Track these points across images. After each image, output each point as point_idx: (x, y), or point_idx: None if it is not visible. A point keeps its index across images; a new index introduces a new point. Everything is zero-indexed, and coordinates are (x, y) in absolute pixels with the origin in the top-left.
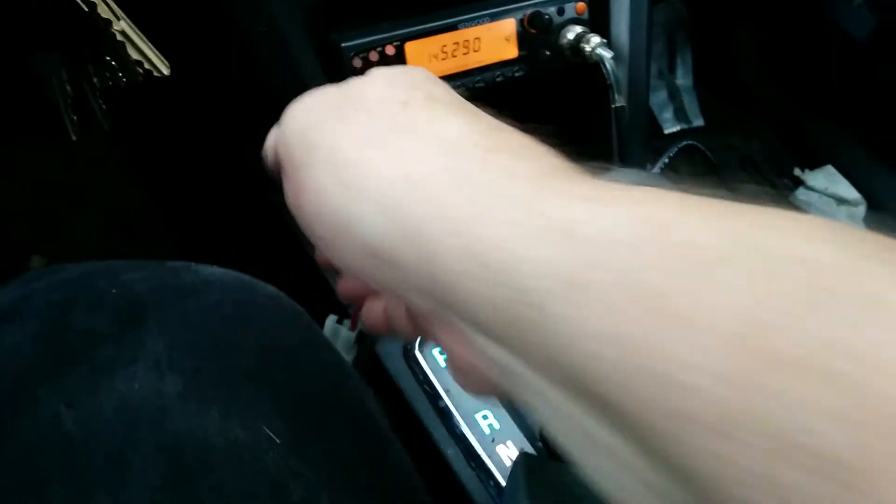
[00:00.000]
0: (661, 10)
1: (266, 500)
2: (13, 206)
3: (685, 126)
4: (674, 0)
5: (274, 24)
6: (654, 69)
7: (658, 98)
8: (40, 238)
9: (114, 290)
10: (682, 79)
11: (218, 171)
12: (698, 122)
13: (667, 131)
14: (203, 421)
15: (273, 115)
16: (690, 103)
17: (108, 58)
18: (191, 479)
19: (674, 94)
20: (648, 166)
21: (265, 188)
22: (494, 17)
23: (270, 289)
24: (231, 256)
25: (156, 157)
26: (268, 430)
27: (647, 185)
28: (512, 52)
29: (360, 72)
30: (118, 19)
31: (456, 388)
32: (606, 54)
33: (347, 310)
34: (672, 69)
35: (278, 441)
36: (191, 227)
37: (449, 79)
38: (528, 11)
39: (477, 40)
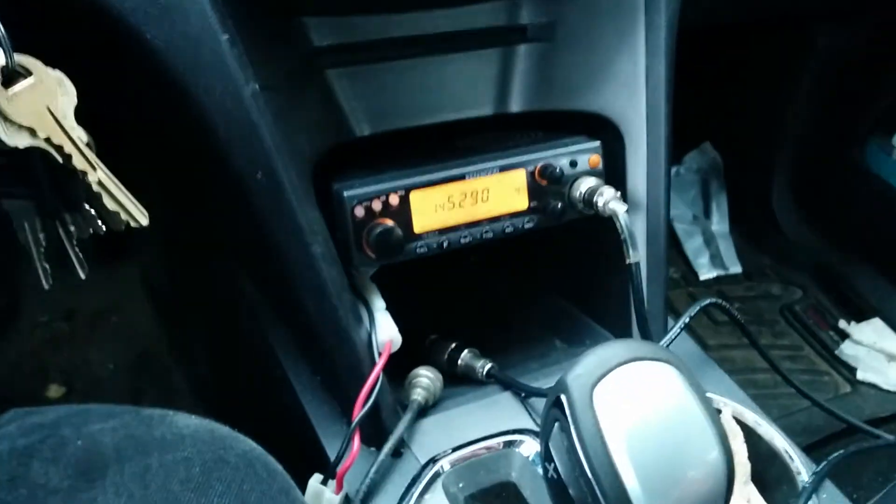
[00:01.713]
0: (695, 157)
1: None
2: (32, 334)
3: (721, 272)
4: (707, 146)
5: (272, 172)
6: (688, 215)
7: (693, 244)
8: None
9: (79, 442)
10: (718, 224)
11: (223, 311)
12: (735, 268)
13: (702, 277)
14: None
15: (274, 264)
16: (727, 249)
17: (86, 206)
18: None
19: (709, 240)
20: (671, 321)
21: (262, 323)
22: (504, 169)
23: (247, 445)
24: (236, 400)
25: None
26: None
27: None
28: (522, 203)
29: (362, 221)
30: (94, 169)
31: None
32: (620, 208)
33: (334, 469)
34: (707, 215)
35: None
36: (201, 362)
37: (456, 230)
38: (540, 164)
39: (486, 191)
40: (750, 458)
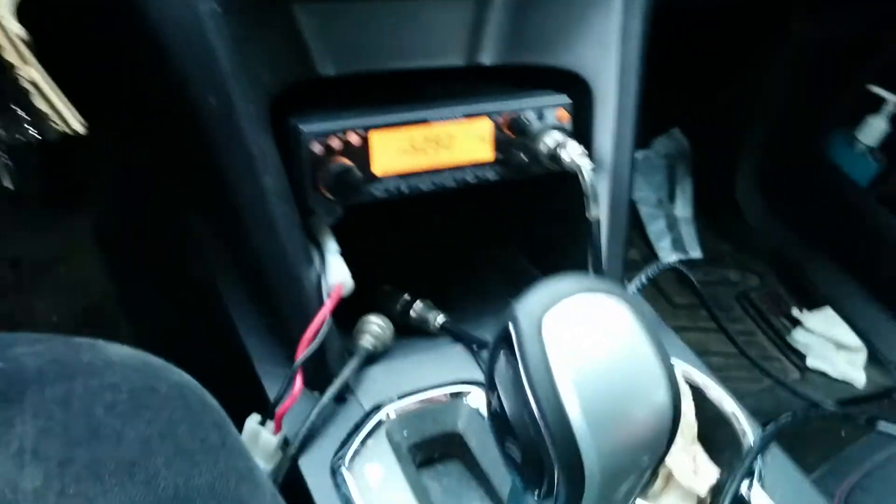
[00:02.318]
0: (663, 142)
1: None
2: None
3: (682, 257)
4: (675, 132)
5: (226, 98)
6: (653, 199)
7: (656, 227)
8: None
9: (0, 364)
10: (682, 209)
11: (166, 247)
12: (696, 253)
13: (663, 261)
14: None
15: (223, 197)
16: (688, 234)
17: (13, 107)
18: None
19: (672, 225)
20: (626, 283)
21: (209, 264)
22: (469, 115)
23: (180, 377)
24: (180, 345)
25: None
26: None
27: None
28: (487, 153)
29: (319, 158)
30: (26, 64)
31: None
32: (585, 163)
33: (273, 409)
34: (672, 199)
35: None
36: (147, 308)
37: (418, 175)
38: (506, 114)
39: (450, 137)
40: (697, 418)
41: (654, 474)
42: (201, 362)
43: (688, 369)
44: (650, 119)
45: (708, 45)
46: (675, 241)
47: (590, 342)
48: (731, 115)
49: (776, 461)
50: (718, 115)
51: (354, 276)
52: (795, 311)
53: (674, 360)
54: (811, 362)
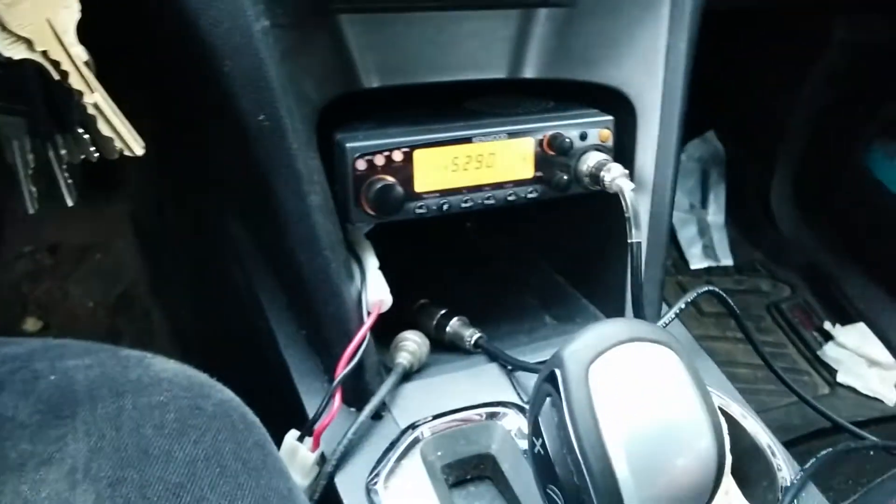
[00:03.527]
0: (697, 146)
1: None
2: (14, 264)
3: (713, 263)
4: (710, 135)
5: (275, 115)
6: (685, 203)
7: (687, 233)
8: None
9: (52, 377)
10: (714, 215)
11: (203, 245)
12: (727, 260)
13: (693, 267)
14: None
15: (268, 211)
16: (720, 241)
17: (80, 130)
18: None
19: (703, 230)
20: (665, 307)
21: (248, 272)
22: (512, 135)
23: (224, 394)
24: (216, 348)
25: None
26: None
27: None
28: (528, 172)
29: (363, 174)
30: (92, 91)
31: None
32: (627, 185)
33: (312, 426)
34: (704, 205)
35: None
36: (181, 302)
37: (458, 193)
38: (549, 133)
39: (492, 156)
40: (732, 451)
41: None
42: (235, 366)
43: (724, 400)
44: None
45: (748, 48)
46: (706, 247)
47: (636, 391)
48: (769, 121)
49: (812, 499)
50: (756, 121)
51: (391, 290)
52: (828, 325)
53: (711, 390)
54: (841, 378)
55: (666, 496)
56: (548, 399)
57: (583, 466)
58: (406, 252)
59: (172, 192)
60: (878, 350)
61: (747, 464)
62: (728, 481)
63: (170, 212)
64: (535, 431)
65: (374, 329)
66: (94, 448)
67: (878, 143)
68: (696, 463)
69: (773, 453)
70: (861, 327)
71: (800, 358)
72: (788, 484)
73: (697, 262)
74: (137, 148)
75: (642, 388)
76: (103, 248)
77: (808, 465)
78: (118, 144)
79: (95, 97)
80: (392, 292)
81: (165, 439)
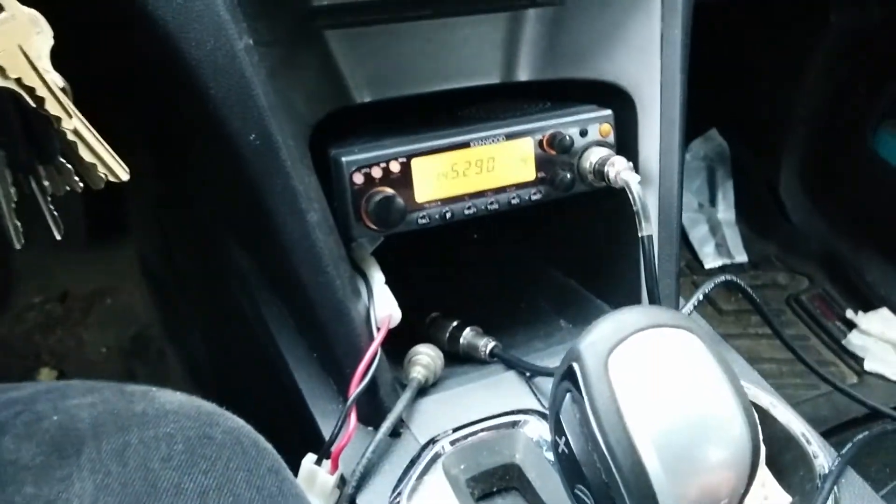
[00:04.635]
0: (701, 145)
1: None
2: (25, 316)
3: (727, 261)
4: (713, 133)
5: (266, 134)
6: (694, 203)
7: (699, 232)
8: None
9: (55, 417)
10: (724, 213)
11: (210, 279)
12: (741, 257)
13: (707, 266)
14: None
15: (268, 233)
16: (732, 238)
17: (62, 160)
18: None
19: (715, 229)
20: (682, 301)
21: (255, 299)
22: (511, 137)
23: (234, 422)
24: (231, 381)
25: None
26: None
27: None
28: (529, 173)
29: (362, 188)
30: (70, 116)
31: None
32: (633, 178)
33: (329, 448)
34: (713, 203)
35: None
36: (193, 338)
37: (460, 200)
38: (548, 132)
39: (491, 160)
40: (764, 441)
41: None
42: (251, 398)
43: (752, 389)
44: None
45: (744, 41)
46: (718, 245)
47: (660, 380)
48: (771, 113)
49: (851, 485)
50: (757, 113)
51: (400, 304)
52: (850, 313)
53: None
54: (869, 365)
55: (700, 488)
56: (567, 395)
57: (610, 463)
58: (414, 265)
59: (176, 227)
60: None
61: (781, 453)
62: (763, 472)
63: (176, 248)
64: (558, 430)
65: (386, 345)
66: (101, 485)
67: (883, 124)
68: (730, 451)
69: (807, 441)
70: (884, 312)
71: (824, 349)
72: (826, 471)
73: (711, 261)
74: (122, 173)
75: (666, 376)
76: (112, 293)
77: (845, 451)
78: (101, 170)
79: (74, 122)
80: (402, 307)
81: (174, 471)
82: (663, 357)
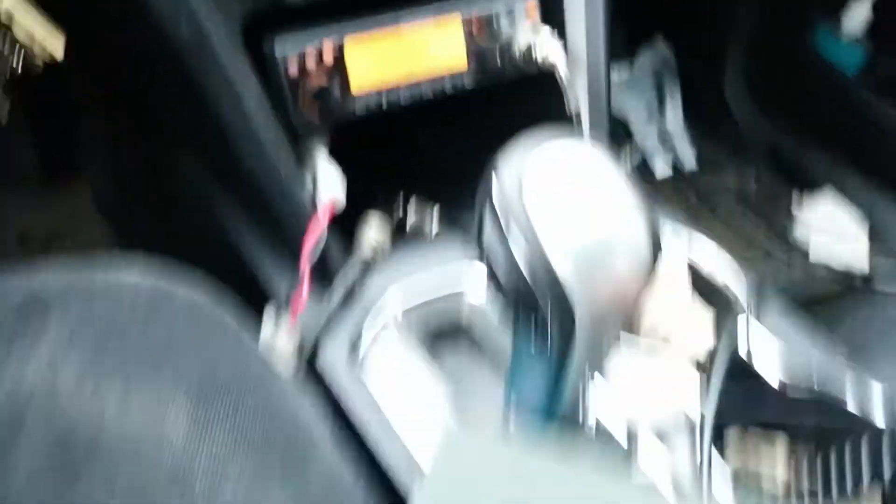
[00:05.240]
0: (647, 55)
1: (164, 494)
2: None
3: (678, 169)
4: (658, 42)
5: (197, 25)
6: (643, 114)
7: (649, 143)
8: None
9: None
10: (673, 122)
11: (167, 207)
12: (691, 165)
13: (659, 176)
14: (100, 406)
15: (209, 129)
16: (682, 147)
17: None
18: (77, 474)
19: (665, 139)
20: None
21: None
22: (439, 14)
23: (196, 284)
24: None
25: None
26: (169, 415)
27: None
28: (461, 60)
29: (296, 80)
30: None
31: None
32: (559, 58)
33: (284, 308)
34: (662, 112)
35: (180, 428)
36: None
37: (395, 90)
38: (475, 15)
39: (423, 44)
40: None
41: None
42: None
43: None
44: (632, 28)
45: None
46: (668, 153)
47: (569, 189)
48: (714, 18)
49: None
50: (701, 19)
51: (351, 182)
52: (795, 208)
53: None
54: (814, 256)
55: (605, 284)
56: (487, 213)
57: (527, 275)
58: (362, 148)
59: (131, 157)
60: (846, 223)
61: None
62: (692, 313)
63: (129, 183)
64: (481, 251)
65: (336, 222)
66: (74, 331)
67: (822, 23)
68: (631, 249)
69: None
70: (827, 204)
71: (771, 244)
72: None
73: (662, 170)
74: (59, 52)
75: (575, 185)
76: (72, 234)
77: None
78: (37, 51)
79: (3, 3)
80: (352, 183)
81: (138, 323)
82: (571, 167)
